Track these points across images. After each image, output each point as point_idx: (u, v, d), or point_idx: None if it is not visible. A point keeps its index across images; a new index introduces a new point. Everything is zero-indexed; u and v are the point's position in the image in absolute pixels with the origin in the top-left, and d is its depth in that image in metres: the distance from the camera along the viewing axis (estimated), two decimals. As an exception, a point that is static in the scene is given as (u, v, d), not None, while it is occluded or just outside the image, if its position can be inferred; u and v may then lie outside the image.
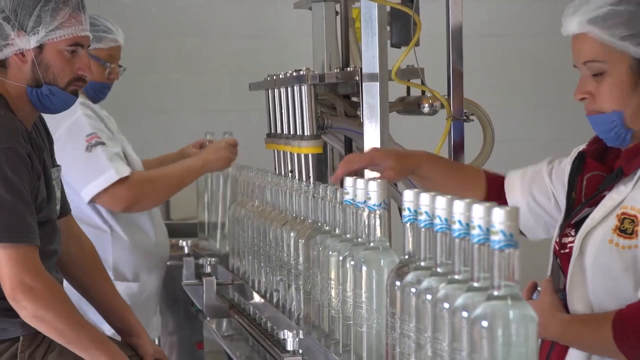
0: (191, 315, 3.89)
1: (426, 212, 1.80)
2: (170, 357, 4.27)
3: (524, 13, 6.25)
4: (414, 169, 2.50)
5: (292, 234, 2.64)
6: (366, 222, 2.11)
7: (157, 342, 4.06)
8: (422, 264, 1.83)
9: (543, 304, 2.27)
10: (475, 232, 1.61)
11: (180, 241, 3.79)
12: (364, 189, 2.11)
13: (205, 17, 5.92)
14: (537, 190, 2.54)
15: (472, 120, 2.82)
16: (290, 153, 2.83)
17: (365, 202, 2.10)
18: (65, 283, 3.02)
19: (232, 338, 2.99)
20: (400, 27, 2.89)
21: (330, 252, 2.27)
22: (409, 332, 1.81)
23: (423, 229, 1.82)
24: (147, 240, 3.93)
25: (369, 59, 2.62)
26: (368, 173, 2.63)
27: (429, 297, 1.74)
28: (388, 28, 2.84)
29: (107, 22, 3.92)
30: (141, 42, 5.60)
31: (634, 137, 2.29)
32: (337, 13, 3.26)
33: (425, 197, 1.80)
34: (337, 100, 3.02)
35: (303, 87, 2.80)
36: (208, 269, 3.36)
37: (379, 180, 2.09)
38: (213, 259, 3.43)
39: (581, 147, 2.46)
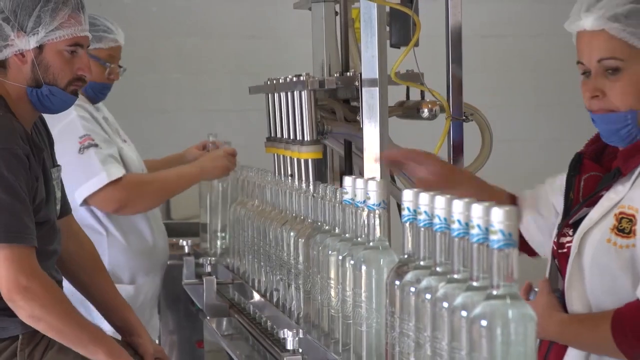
0: (191, 315, 3.90)
1: (425, 212, 1.80)
2: (170, 356, 4.27)
3: (524, 14, 6.25)
4: (454, 185, 2.47)
5: (292, 234, 2.64)
6: (366, 222, 2.11)
7: (157, 342, 4.07)
8: (422, 263, 1.83)
9: (541, 304, 2.27)
10: (475, 231, 1.62)
11: (181, 241, 3.79)
12: (364, 188, 2.11)
13: (205, 17, 5.93)
14: (543, 206, 2.54)
15: (472, 120, 2.83)
16: (290, 157, 2.83)
17: (364, 201, 2.11)
18: (67, 283, 3.03)
19: (232, 337, 2.99)
20: (400, 28, 2.89)
21: (330, 252, 2.28)
22: (408, 331, 1.82)
23: (422, 229, 1.82)
24: (145, 243, 3.92)
25: (369, 59, 2.62)
26: (367, 173, 2.64)
27: (428, 296, 1.75)
28: (387, 28, 2.84)
29: (108, 21, 3.91)
30: (141, 42, 5.61)
31: None
32: (336, 13, 3.26)
33: (424, 197, 1.80)
34: (336, 105, 3.03)
35: (303, 93, 2.80)
36: (208, 269, 3.36)
37: (378, 180, 2.10)
38: (213, 259, 3.44)
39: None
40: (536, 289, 2.34)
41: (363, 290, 2.08)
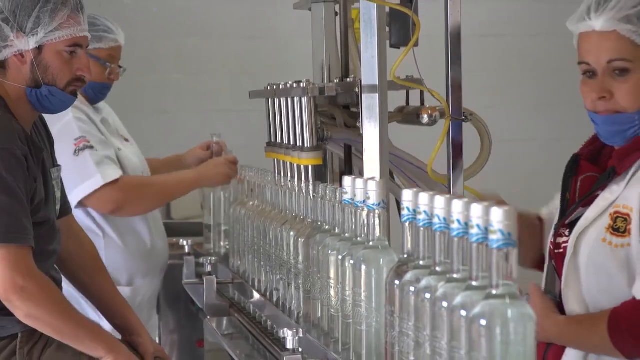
0: (192, 314, 3.90)
1: (425, 212, 1.81)
2: (171, 356, 4.27)
3: (523, 13, 6.26)
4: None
5: (291, 233, 2.65)
6: (365, 222, 2.12)
7: (157, 342, 4.07)
8: (421, 263, 1.84)
9: (536, 307, 2.28)
10: (474, 231, 1.62)
11: (181, 240, 3.79)
12: (363, 188, 2.12)
13: (205, 17, 5.93)
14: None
15: (471, 120, 2.83)
16: (291, 163, 2.84)
17: (364, 201, 2.11)
18: (66, 284, 3.04)
19: (233, 336, 3.00)
20: (400, 28, 2.89)
21: (329, 251, 2.28)
22: (407, 331, 1.82)
23: (422, 228, 1.83)
24: (143, 244, 3.91)
25: (369, 60, 2.62)
26: (367, 173, 2.64)
27: (427, 295, 1.75)
28: (387, 29, 2.84)
29: (108, 21, 3.91)
30: (141, 42, 5.61)
31: None
32: (336, 14, 3.26)
33: (424, 197, 1.81)
34: (336, 111, 3.03)
35: (303, 99, 2.80)
36: (208, 268, 3.37)
37: (377, 180, 2.10)
38: (213, 258, 3.44)
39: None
40: (527, 294, 2.34)
41: (363, 290, 2.08)
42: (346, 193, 2.22)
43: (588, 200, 2.33)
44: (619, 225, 2.23)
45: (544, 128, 6.32)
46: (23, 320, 2.67)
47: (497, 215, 1.57)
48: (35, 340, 2.75)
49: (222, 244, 4.07)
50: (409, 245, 1.88)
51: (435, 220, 1.77)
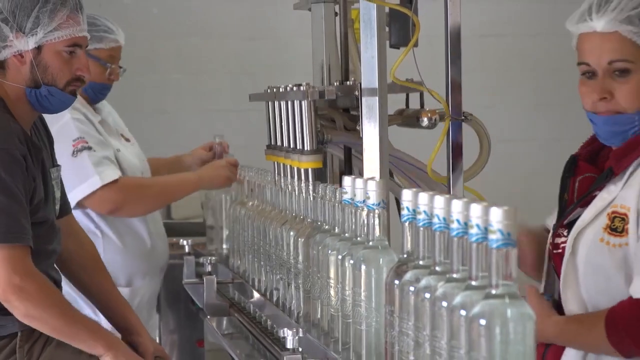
0: (192, 314, 3.90)
1: (425, 212, 1.81)
2: (171, 356, 4.27)
3: (523, 13, 6.26)
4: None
5: (291, 233, 2.65)
6: (365, 221, 2.12)
7: (157, 341, 4.07)
8: (421, 262, 1.84)
9: (534, 308, 2.28)
10: (474, 231, 1.62)
11: (181, 240, 3.79)
12: (363, 188, 2.12)
13: (205, 17, 5.93)
14: None
15: (471, 120, 2.83)
16: (291, 166, 2.84)
17: (364, 201, 2.12)
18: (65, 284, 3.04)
19: (233, 336, 3.00)
20: (399, 28, 2.90)
21: (329, 251, 2.28)
22: (407, 330, 1.82)
23: (422, 228, 1.83)
24: (142, 245, 3.91)
25: (368, 60, 2.63)
26: (367, 173, 2.65)
27: (427, 295, 1.76)
28: (387, 29, 2.85)
29: (108, 22, 3.91)
30: (141, 42, 5.61)
31: None
32: (336, 14, 3.26)
33: (423, 197, 1.81)
34: (336, 114, 3.04)
35: (303, 103, 2.81)
36: (208, 268, 3.37)
37: (377, 180, 2.10)
38: (213, 258, 3.45)
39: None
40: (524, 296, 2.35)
41: (362, 290, 2.08)
42: (346, 193, 2.22)
43: (586, 200, 2.34)
44: (617, 225, 2.24)
45: (544, 128, 6.32)
46: (22, 319, 2.68)
47: (497, 215, 1.58)
48: (34, 339, 2.76)
49: (224, 246, 4.07)
50: (409, 245, 1.88)
51: (435, 220, 1.77)
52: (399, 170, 2.98)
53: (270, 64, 5.92)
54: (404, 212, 1.88)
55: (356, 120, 2.84)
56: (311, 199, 2.61)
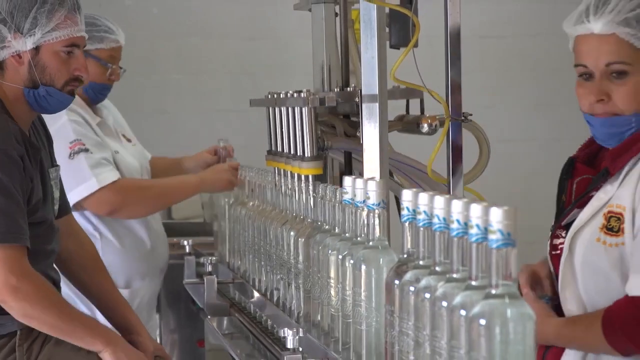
0: (192, 314, 3.90)
1: (425, 212, 1.82)
2: (171, 355, 4.28)
3: (523, 13, 6.26)
4: None
5: (292, 233, 2.65)
6: (365, 221, 2.12)
7: (158, 341, 4.07)
8: (421, 262, 1.85)
9: (534, 311, 2.29)
10: (473, 231, 1.63)
11: (182, 240, 3.80)
12: (363, 188, 2.13)
13: (205, 17, 5.94)
14: None
15: (470, 120, 2.84)
16: (291, 172, 2.84)
17: (364, 201, 2.12)
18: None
19: (233, 336, 3.00)
20: (399, 29, 2.90)
21: (329, 251, 2.29)
22: (407, 330, 1.83)
23: (422, 228, 1.83)
24: (141, 246, 3.91)
25: (368, 60, 2.63)
26: (367, 173, 2.65)
27: (427, 295, 1.76)
28: (387, 29, 2.85)
29: (108, 22, 3.91)
30: (142, 42, 5.62)
31: None
32: (336, 14, 3.26)
33: (423, 197, 1.82)
34: (336, 121, 3.04)
35: (304, 110, 2.81)
36: (209, 268, 3.37)
37: (377, 180, 2.11)
38: (214, 258, 3.45)
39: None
40: None
41: (363, 290, 2.09)
42: (346, 193, 2.22)
43: (583, 201, 2.34)
44: (613, 225, 2.24)
45: (544, 128, 6.33)
46: (20, 319, 2.69)
47: (497, 215, 1.58)
48: (33, 337, 2.77)
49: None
50: (409, 245, 1.88)
51: (435, 220, 1.78)
52: (399, 172, 2.99)
53: (270, 64, 5.93)
54: (404, 212, 1.88)
55: (356, 126, 2.84)
56: (311, 199, 2.61)
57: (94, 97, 3.90)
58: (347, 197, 2.22)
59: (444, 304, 1.69)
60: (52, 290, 2.75)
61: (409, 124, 3.01)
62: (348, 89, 2.99)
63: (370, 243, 2.11)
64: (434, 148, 2.67)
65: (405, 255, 1.89)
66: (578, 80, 2.33)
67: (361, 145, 2.68)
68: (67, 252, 3.05)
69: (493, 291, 1.60)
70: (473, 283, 1.65)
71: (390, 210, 2.21)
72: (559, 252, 2.36)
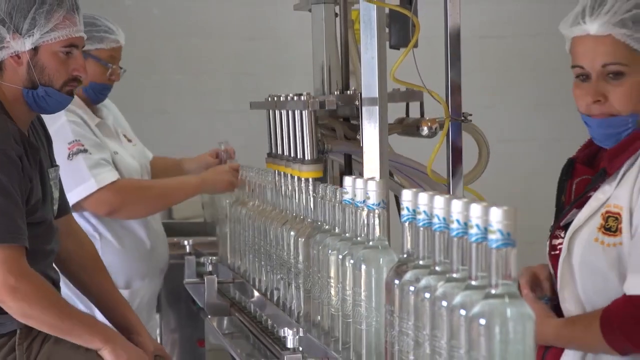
0: (192, 313, 3.91)
1: (425, 212, 1.82)
2: (172, 355, 4.28)
3: (523, 14, 6.26)
4: None
5: (292, 233, 2.66)
6: (365, 221, 2.13)
7: (158, 341, 4.08)
8: (421, 262, 1.85)
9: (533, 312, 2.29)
10: (473, 231, 1.63)
11: (182, 240, 3.80)
12: (363, 188, 2.13)
13: (205, 18, 5.94)
14: None
15: (470, 120, 2.84)
16: (291, 175, 2.85)
17: (364, 201, 2.12)
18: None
19: (233, 336, 3.01)
20: (399, 29, 2.91)
21: (329, 251, 2.29)
22: (407, 330, 1.83)
23: (421, 228, 1.83)
24: (141, 247, 3.91)
25: (368, 60, 2.64)
26: (367, 174, 2.66)
27: (427, 295, 1.76)
28: (387, 30, 2.85)
29: (108, 22, 3.91)
30: (142, 43, 5.62)
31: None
32: (336, 15, 3.27)
33: (423, 197, 1.82)
34: (336, 124, 3.05)
35: (304, 113, 2.82)
36: (209, 268, 3.38)
37: (377, 180, 2.11)
38: (214, 258, 3.46)
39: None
40: None
41: (363, 289, 2.09)
42: (346, 193, 2.23)
43: (581, 201, 2.35)
44: (611, 225, 2.25)
45: (544, 128, 6.33)
46: (18, 319, 2.70)
47: (496, 215, 1.58)
48: (33, 336, 2.78)
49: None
50: (409, 245, 1.89)
51: (435, 220, 1.78)
52: (400, 173, 3.00)
53: (270, 65, 5.93)
54: (404, 212, 1.89)
55: (356, 129, 2.85)
56: (311, 199, 2.61)
57: (95, 97, 3.90)
58: (347, 197, 2.23)
59: (444, 303, 1.69)
60: (51, 289, 2.76)
61: (408, 127, 3.02)
62: (348, 92, 2.99)
63: (370, 243, 2.11)
64: (433, 150, 2.68)
65: (405, 255, 1.89)
66: (575, 81, 2.34)
67: (361, 148, 2.68)
68: (66, 252, 3.06)
69: (493, 291, 1.60)
70: (473, 283, 1.65)
71: (390, 210, 2.21)
72: (557, 252, 2.37)
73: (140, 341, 2.97)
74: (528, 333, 1.59)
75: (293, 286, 2.64)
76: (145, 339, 2.99)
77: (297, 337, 2.32)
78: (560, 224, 2.40)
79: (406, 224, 1.89)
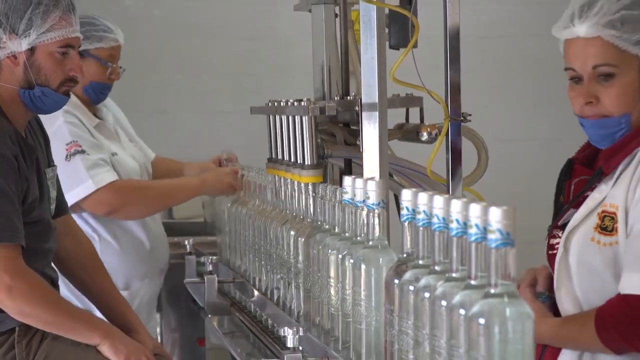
0: (193, 313, 3.91)
1: (424, 211, 1.82)
2: (172, 354, 4.29)
3: (523, 14, 6.26)
4: None
5: (292, 233, 2.66)
6: (365, 221, 2.13)
7: (158, 340, 4.08)
8: (420, 262, 1.85)
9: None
10: (473, 230, 1.63)
11: (183, 240, 3.80)
12: (363, 188, 2.13)
13: (205, 18, 5.94)
14: None
15: (470, 120, 2.85)
16: (291, 180, 2.86)
17: (364, 201, 2.13)
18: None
19: (233, 335, 3.01)
20: (399, 29, 2.91)
21: (329, 251, 2.29)
22: (407, 329, 1.83)
23: (421, 228, 1.84)
24: (141, 247, 3.91)
25: (368, 61, 2.64)
26: (367, 174, 2.66)
27: (427, 294, 1.76)
28: (387, 30, 2.86)
29: (107, 21, 3.91)
30: (143, 43, 5.62)
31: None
32: (336, 15, 3.27)
33: (423, 197, 1.82)
34: (336, 129, 3.06)
35: (304, 118, 2.82)
36: (209, 267, 3.38)
37: (377, 180, 2.12)
38: (214, 257, 3.46)
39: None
40: None
41: (362, 289, 2.09)
42: (346, 193, 2.23)
43: (579, 201, 2.36)
44: (607, 224, 2.25)
45: (544, 128, 6.33)
46: (16, 317, 2.72)
47: (496, 215, 1.58)
48: (32, 333, 2.79)
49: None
50: (408, 245, 1.89)
51: (434, 219, 1.78)
52: (400, 174, 3.00)
53: (270, 65, 5.93)
54: (404, 212, 1.89)
55: (356, 134, 2.86)
56: (311, 199, 2.62)
57: (95, 96, 3.90)
58: (346, 196, 2.23)
59: (444, 303, 1.70)
60: (48, 287, 2.76)
61: (408, 133, 3.03)
62: (348, 97, 3.00)
63: (370, 243, 2.11)
64: (433, 150, 2.68)
65: (404, 255, 1.90)
66: (569, 83, 2.35)
67: (361, 153, 2.69)
68: (65, 251, 3.06)
69: (492, 290, 1.60)
70: (472, 282, 1.65)
71: (390, 210, 2.22)
72: (555, 251, 2.38)
73: (139, 340, 2.97)
74: (527, 332, 1.59)
75: (293, 286, 2.65)
76: (144, 337, 3.00)
77: (297, 336, 2.32)
78: (558, 224, 2.40)
79: (406, 224, 1.89)
